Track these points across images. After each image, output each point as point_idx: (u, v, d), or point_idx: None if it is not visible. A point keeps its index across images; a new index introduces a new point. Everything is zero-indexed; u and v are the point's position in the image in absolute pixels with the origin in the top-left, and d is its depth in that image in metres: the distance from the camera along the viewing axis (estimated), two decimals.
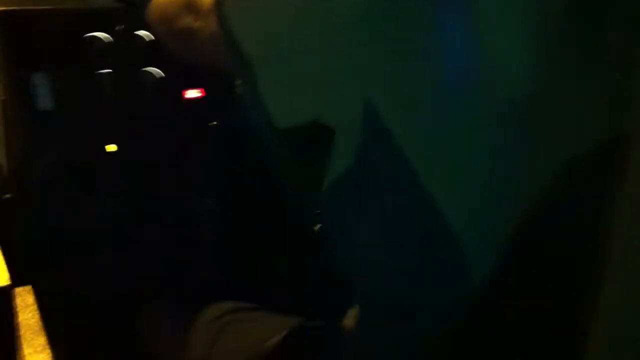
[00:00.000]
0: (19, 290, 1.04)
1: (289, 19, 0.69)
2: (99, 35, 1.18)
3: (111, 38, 1.18)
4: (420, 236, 0.64)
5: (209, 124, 1.25)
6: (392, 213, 0.66)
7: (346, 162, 0.69)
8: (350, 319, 0.95)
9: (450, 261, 0.62)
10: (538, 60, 0.56)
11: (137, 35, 1.20)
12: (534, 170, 0.57)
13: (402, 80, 0.61)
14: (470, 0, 0.57)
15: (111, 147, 1.16)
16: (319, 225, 0.99)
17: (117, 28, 1.18)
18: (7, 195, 1.11)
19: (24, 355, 0.96)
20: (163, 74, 1.21)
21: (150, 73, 1.22)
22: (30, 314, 1.02)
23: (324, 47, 0.65)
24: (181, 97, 1.25)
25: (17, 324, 0.93)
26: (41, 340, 0.98)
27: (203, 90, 1.26)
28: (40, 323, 1.00)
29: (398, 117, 0.62)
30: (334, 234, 0.76)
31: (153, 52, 1.21)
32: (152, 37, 1.21)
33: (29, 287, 1.04)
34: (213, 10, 0.78)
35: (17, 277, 0.87)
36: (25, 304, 1.03)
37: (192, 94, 1.26)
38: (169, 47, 0.99)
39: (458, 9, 0.59)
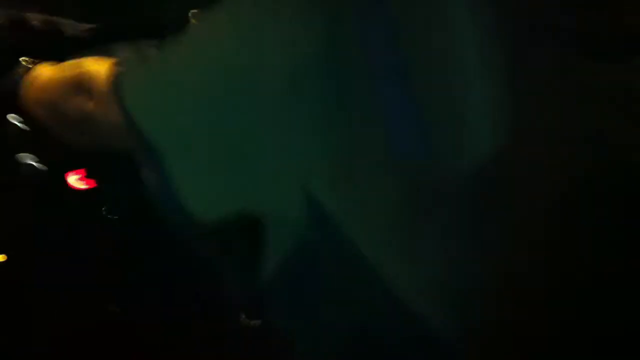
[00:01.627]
0: None
1: (203, 96, 0.64)
2: None
3: None
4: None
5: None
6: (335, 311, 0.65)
7: (281, 253, 0.65)
8: None
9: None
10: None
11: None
12: None
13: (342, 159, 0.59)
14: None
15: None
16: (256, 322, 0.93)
17: None
18: None
19: None
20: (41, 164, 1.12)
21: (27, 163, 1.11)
22: None
23: (248, 128, 0.61)
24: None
25: None
26: None
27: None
28: None
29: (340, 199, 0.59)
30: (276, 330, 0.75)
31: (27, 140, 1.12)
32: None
33: None
34: (109, 89, 0.72)
35: None
36: None
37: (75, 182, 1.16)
38: (56, 133, 0.89)
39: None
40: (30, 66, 0.93)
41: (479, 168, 0.57)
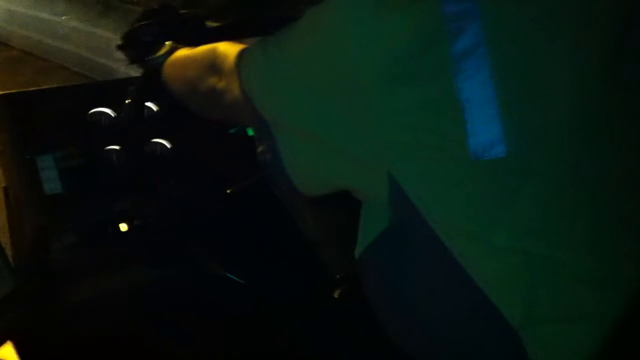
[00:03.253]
0: None
1: (308, 85, 0.68)
2: (105, 111, 1.14)
3: (116, 112, 1.14)
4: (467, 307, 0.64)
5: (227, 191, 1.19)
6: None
7: (379, 227, 0.70)
8: None
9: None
10: None
11: (145, 106, 1.16)
12: None
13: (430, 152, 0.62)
14: None
15: (123, 227, 1.10)
16: (338, 291, 0.94)
17: (124, 101, 1.13)
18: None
19: None
20: (171, 145, 1.16)
21: (160, 144, 1.17)
22: None
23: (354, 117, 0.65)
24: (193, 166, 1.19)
25: None
26: None
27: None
28: None
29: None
30: (375, 300, 0.75)
31: (162, 123, 1.18)
32: (160, 108, 1.17)
33: None
34: (235, 71, 0.79)
35: None
36: None
37: None
38: (191, 108, 0.99)
39: None
40: (173, 48, 1.03)
41: None
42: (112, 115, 1.15)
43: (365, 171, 0.67)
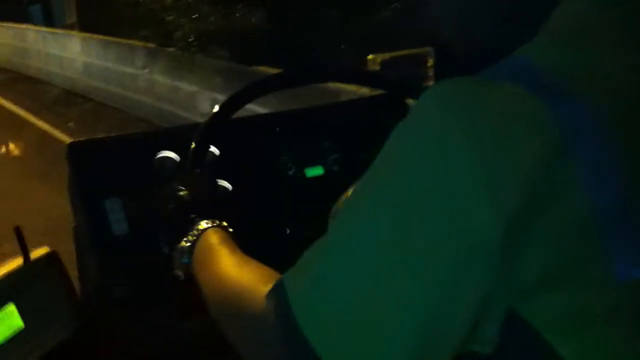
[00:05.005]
0: None
1: None
2: (169, 155, 1.18)
3: (179, 157, 1.18)
4: None
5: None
6: None
7: None
8: None
9: None
10: None
11: (209, 151, 1.19)
12: None
13: None
14: None
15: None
16: None
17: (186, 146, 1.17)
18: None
19: None
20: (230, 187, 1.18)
21: (223, 187, 1.19)
22: None
23: None
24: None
25: None
26: None
27: None
28: None
29: None
30: None
31: (224, 167, 1.20)
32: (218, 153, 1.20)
33: None
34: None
35: None
36: None
37: None
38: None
39: None
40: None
41: None
42: (177, 160, 1.18)
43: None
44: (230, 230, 0.96)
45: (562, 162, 0.51)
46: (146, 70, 8.28)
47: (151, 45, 8.31)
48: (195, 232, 0.94)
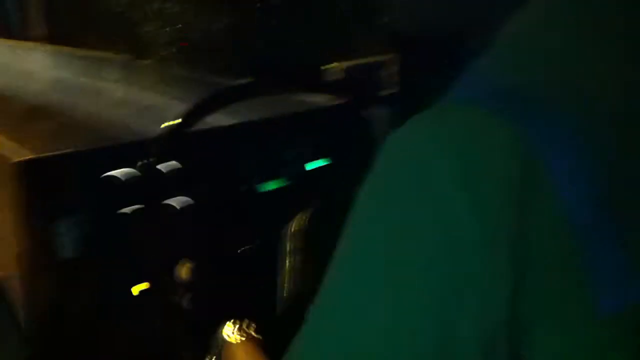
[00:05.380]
0: None
1: None
2: (122, 172, 1.14)
3: (135, 172, 1.13)
4: None
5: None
6: None
7: None
8: None
9: None
10: None
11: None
12: None
13: None
14: None
15: (139, 287, 1.08)
16: None
17: (141, 162, 1.12)
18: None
19: None
20: (192, 201, 1.15)
21: (179, 202, 1.15)
22: None
23: None
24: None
25: None
26: None
27: None
28: None
29: None
30: None
31: (183, 181, 1.17)
32: (180, 166, 1.16)
33: None
34: None
35: None
36: None
37: None
38: None
39: None
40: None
41: None
42: (128, 177, 1.14)
43: None
44: (257, 336, 0.91)
45: (536, 182, 0.48)
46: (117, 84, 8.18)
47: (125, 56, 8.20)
48: (220, 343, 0.90)
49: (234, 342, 0.89)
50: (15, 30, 12.22)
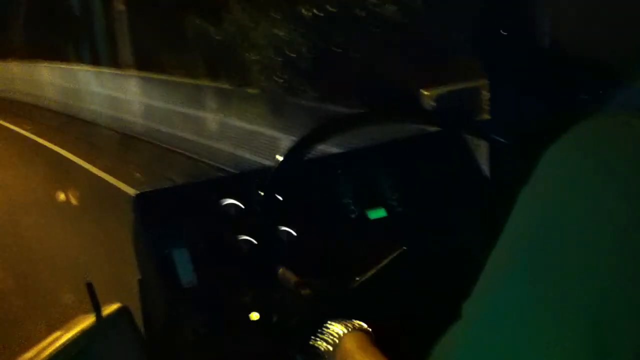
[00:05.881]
0: None
1: None
2: (234, 202, 1.19)
3: (243, 204, 1.18)
4: None
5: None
6: None
7: None
8: None
9: None
10: None
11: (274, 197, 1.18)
12: None
13: None
14: None
15: (254, 316, 1.11)
16: None
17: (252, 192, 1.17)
18: None
19: None
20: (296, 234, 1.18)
21: (287, 233, 1.18)
22: None
23: None
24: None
25: None
26: None
27: None
28: None
29: None
30: None
31: (290, 214, 1.19)
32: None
33: None
34: None
35: None
36: None
37: None
38: None
39: None
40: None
41: None
42: (242, 207, 1.19)
43: None
44: (368, 329, 0.92)
45: None
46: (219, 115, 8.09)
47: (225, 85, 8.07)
48: (335, 337, 0.90)
49: (346, 332, 0.89)
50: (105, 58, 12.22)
